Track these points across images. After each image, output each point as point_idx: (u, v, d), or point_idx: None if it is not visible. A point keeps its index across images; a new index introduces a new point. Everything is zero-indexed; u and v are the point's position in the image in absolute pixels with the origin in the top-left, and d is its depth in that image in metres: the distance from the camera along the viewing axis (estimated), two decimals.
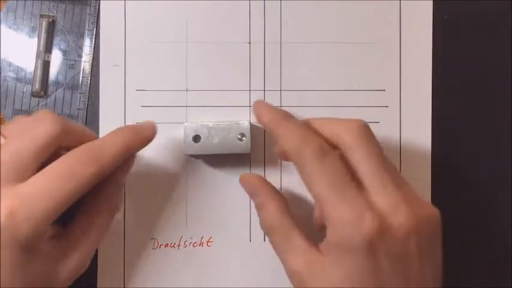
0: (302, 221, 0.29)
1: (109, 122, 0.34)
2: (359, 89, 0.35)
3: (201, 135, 0.33)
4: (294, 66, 0.35)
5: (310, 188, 0.27)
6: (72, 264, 0.28)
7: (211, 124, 0.33)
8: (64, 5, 0.34)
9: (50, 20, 0.34)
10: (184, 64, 0.35)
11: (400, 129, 0.35)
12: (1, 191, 0.25)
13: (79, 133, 0.29)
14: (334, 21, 0.35)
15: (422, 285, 0.27)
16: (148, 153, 0.34)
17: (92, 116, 0.34)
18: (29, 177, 0.26)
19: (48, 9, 0.34)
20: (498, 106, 0.35)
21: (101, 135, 0.34)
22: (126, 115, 0.34)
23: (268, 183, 0.32)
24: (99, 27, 0.34)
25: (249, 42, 0.35)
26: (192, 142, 0.33)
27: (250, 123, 0.33)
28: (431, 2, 0.35)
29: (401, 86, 0.35)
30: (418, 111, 0.35)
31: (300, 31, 0.35)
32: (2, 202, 0.25)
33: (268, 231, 0.30)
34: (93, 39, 0.34)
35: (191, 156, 0.34)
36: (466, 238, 0.35)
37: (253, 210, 0.34)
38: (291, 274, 0.28)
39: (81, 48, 0.34)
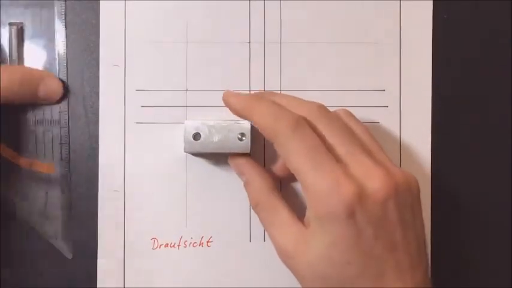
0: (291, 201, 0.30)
1: (109, 122, 0.34)
2: (359, 89, 0.35)
3: (201, 133, 0.33)
4: (294, 66, 0.35)
5: (287, 162, 0.28)
6: None
7: (211, 122, 0.33)
8: (30, 11, 0.34)
9: (19, 27, 0.34)
10: (184, 64, 0.35)
11: (400, 129, 0.35)
12: None
13: None
14: (334, 21, 0.35)
15: (408, 252, 0.27)
16: (149, 153, 0.34)
17: (92, 116, 0.34)
18: None
19: (16, 16, 0.34)
20: (498, 106, 0.35)
21: (100, 135, 0.34)
22: (126, 115, 0.34)
23: (253, 162, 0.32)
24: (99, 27, 0.34)
25: (249, 42, 0.35)
26: (192, 140, 0.33)
27: (251, 124, 0.33)
28: (431, 2, 0.35)
29: (401, 86, 0.35)
30: (418, 111, 0.35)
31: (300, 31, 0.35)
32: None
33: (255, 208, 0.31)
34: (65, 26, 0.34)
35: (191, 153, 0.34)
36: (466, 237, 0.35)
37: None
38: (278, 248, 0.29)
39: (53, 50, 0.34)
